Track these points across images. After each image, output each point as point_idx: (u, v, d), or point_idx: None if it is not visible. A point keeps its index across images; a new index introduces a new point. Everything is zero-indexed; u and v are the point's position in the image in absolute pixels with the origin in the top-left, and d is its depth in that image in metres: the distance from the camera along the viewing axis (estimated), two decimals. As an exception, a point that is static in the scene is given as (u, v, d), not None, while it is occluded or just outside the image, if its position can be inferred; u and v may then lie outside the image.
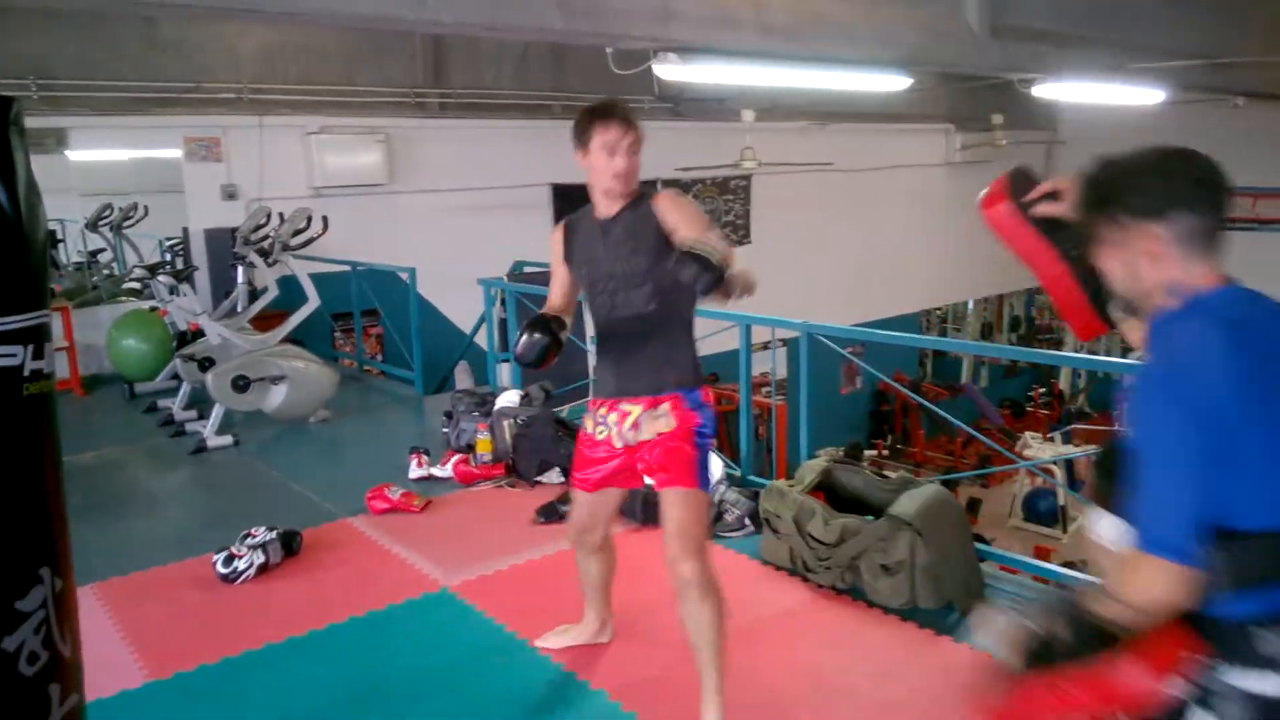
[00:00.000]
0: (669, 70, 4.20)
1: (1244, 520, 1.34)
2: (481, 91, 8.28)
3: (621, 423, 2.51)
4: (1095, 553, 1.51)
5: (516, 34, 6.41)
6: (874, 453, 10.98)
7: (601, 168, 2.44)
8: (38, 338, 1.05)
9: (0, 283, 1.00)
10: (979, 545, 3.64)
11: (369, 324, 7.71)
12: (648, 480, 2.59)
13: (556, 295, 2.62)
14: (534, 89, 8.39)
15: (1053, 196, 1.79)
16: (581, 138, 2.45)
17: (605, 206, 2.51)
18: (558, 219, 9.79)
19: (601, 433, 2.57)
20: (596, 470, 2.62)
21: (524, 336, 2.39)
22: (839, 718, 2.66)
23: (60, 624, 1.09)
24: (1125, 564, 1.37)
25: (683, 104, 8.83)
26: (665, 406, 2.47)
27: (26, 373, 1.03)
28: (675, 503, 2.45)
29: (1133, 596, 1.34)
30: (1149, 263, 1.42)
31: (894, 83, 4.87)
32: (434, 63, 8.06)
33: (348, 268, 7.13)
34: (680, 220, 2.37)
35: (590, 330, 2.60)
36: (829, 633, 3.15)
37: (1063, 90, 6.15)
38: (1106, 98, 6.78)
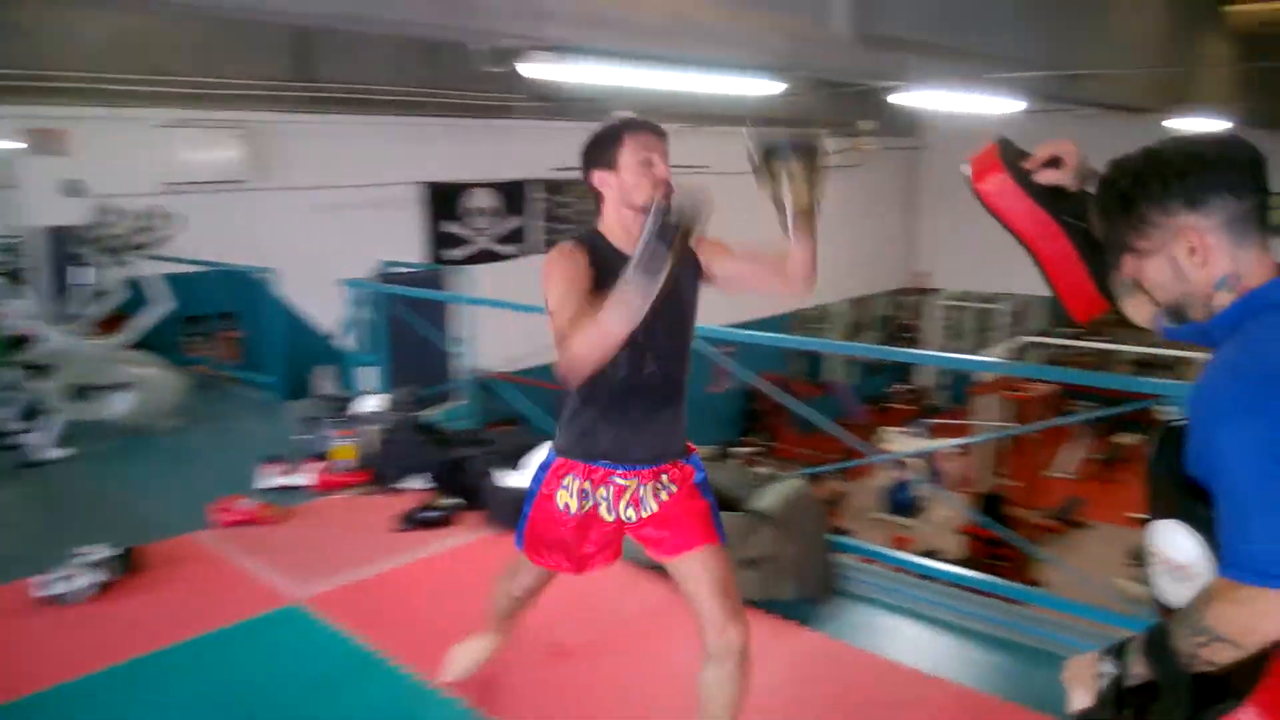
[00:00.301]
0: (535, 70, 4.17)
1: None
2: (350, 86, 8.04)
3: (618, 499, 2.19)
4: (1161, 573, 1.31)
5: (383, 28, 6.24)
6: (745, 450, 11.20)
7: (634, 183, 2.10)
8: None
9: None
10: (839, 538, 3.76)
11: (227, 328, 7.39)
12: (656, 554, 2.29)
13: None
14: (404, 85, 8.20)
15: (1053, 164, 1.66)
16: (604, 156, 2.13)
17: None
18: (433, 218, 9.61)
19: (585, 506, 2.21)
20: (587, 547, 2.30)
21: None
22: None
23: None
24: (1229, 601, 1.18)
25: (558, 103, 8.80)
26: (664, 476, 2.22)
27: None
28: (709, 562, 2.18)
29: (1243, 635, 1.17)
30: (1194, 260, 1.28)
31: (766, 87, 4.97)
32: (298, 56, 7.79)
33: (204, 269, 6.81)
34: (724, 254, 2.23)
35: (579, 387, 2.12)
36: (690, 627, 3.17)
37: (925, 98, 6.39)
38: (967, 106, 7.08)
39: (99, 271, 5.57)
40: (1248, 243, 1.28)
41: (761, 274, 2.32)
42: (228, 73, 7.45)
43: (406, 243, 8.21)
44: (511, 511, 3.82)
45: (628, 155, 2.11)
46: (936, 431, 11.76)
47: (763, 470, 3.88)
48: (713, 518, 2.25)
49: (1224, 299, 1.29)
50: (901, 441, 10.86)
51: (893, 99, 6.21)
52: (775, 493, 3.48)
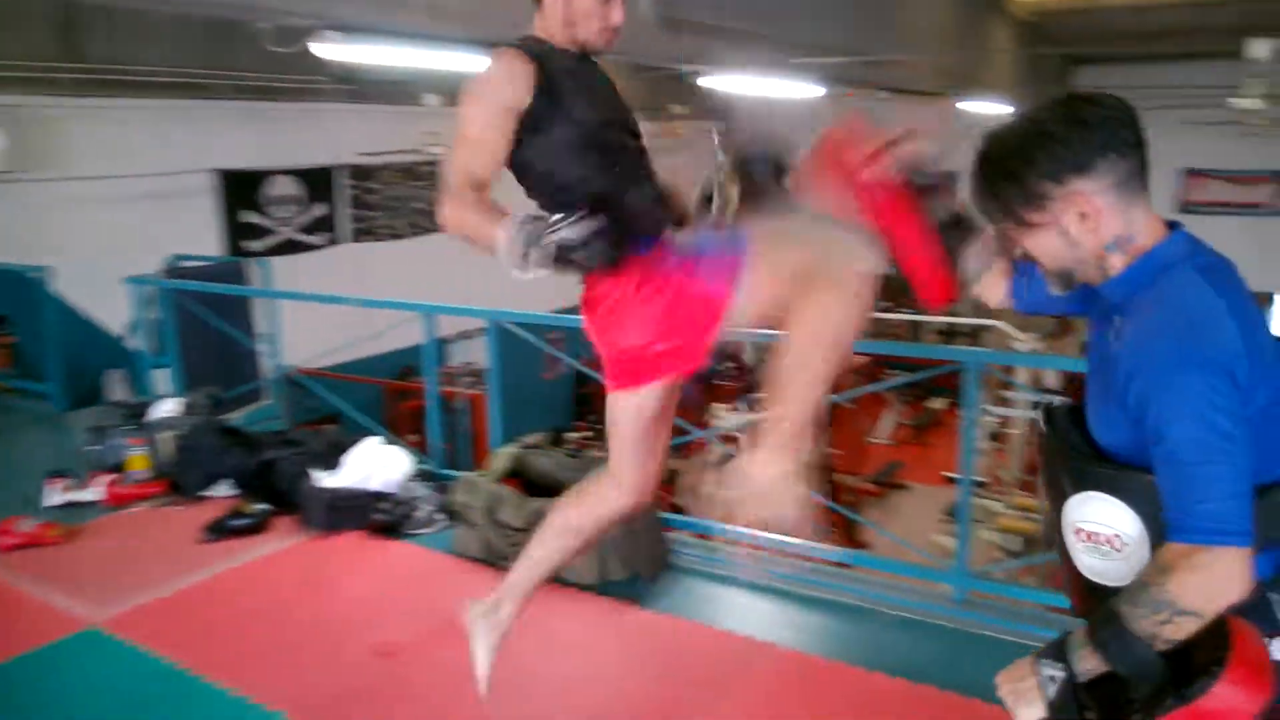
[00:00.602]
0: (329, 50, 3.96)
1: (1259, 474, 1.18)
2: (126, 68, 7.38)
3: None
4: (1082, 549, 1.27)
5: (161, 5, 5.79)
6: (578, 435, 11.21)
7: (584, 15, 1.99)
8: None
9: None
10: (669, 515, 3.80)
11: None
12: None
13: (488, 162, 1.94)
14: (188, 66, 7.62)
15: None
16: None
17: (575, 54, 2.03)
18: (231, 208, 9.01)
19: None
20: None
21: (572, 228, 1.71)
22: (538, 696, 2.68)
23: None
24: (1188, 569, 1.13)
25: (364, 86, 8.43)
26: None
27: None
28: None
29: (1209, 601, 1.13)
30: (1085, 226, 1.27)
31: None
32: (65, 34, 7.08)
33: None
34: None
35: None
36: (524, 616, 3.14)
37: (729, 82, 6.53)
38: (770, 90, 7.29)
39: None
40: (1136, 201, 1.27)
41: None
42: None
43: (202, 235, 7.66)
44: (330, 513, 3.68)
45: None
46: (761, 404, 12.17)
47: (587, 453, 3.87)
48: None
49: (1116, 261, 1.28)
50: (731, 417, 11.16)
51: (702, 83, 6.30)
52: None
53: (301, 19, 4.04)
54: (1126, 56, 12.07)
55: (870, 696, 2.64)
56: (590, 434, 11.74)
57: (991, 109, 10.39)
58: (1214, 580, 1.13)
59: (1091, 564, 1.27)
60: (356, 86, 8.38)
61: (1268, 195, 12.42)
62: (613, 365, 2.03)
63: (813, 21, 6.43)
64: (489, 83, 1.93)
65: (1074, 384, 13.00)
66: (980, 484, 9.96)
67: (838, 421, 11.45)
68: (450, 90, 8.30)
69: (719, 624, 3.07)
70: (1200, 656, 1.13)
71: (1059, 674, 1.21)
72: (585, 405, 12.41)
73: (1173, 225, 1.31)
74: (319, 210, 8.55)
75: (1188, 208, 12.57)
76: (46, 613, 3.17)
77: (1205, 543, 1.13)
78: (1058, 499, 1.30)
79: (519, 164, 2.02)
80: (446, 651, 2.89)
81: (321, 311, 5.42)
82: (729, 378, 15.47)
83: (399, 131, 8.66)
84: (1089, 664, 1.20)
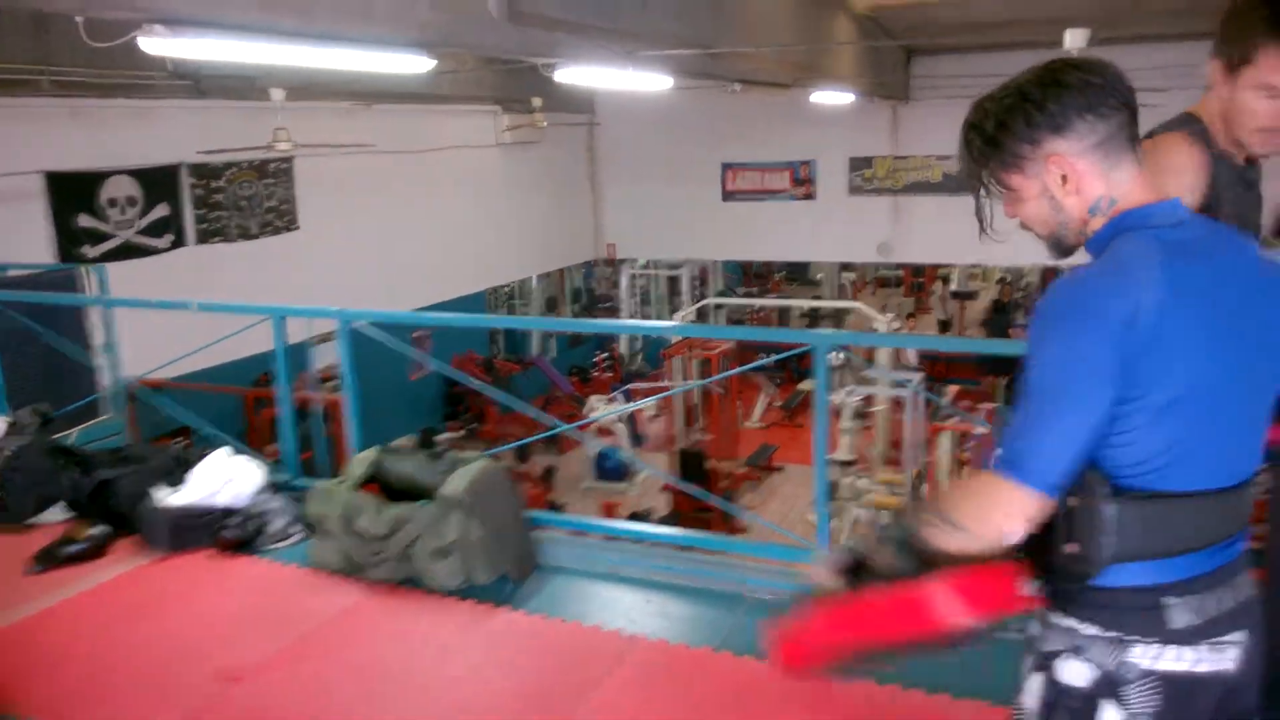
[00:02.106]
0: (156, 45, 3.74)
1: (1152, 479, 1.20)
2: (-63, 64, 6.83)
3: None
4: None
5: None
6: (449, 435, 11.04)
7: (1248, 112, 1.63)
8: None
9: None
10: (537, 512, 3.77)
11: None
12: None
13: None
14: (8, 62, 7.08)
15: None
16: (1238, 44, 1.62)
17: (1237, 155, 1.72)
18: (63, 212, 8.46)
19: None
20: None
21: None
22: (405, 705, 2.63)
23: None
24: (975, 486, 1.23)
25: (204, 81, 8.01)
26: None
27: None
28: None
29: (977, 521, 1.19)
30: (1066, 188, 1.25)
31: (416, 63, 4.80)
32: None
33: None
34: None
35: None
36: (385, 627, 3.08)
37: (581, 75, 6.51)
38: (622, 83, 7.30)
39: None
40: (1121, 164, 1.24)
41: None
42: None
43: (32, 242, 7.13)
44: (175, 532, 3.50)
45: (1261, 72, 1.60)
46: (637, 396, 12.27)
47: (453, 454, 3.80)
48: None
49: (1097, 223, 1.26)
50: (606, 409, 11.20)
51: (556, 76, 6.26)
52: (461, 477, 3.41)
53: (120, 11, 3.80)
54: (957, 47, 12.68)
55: (739, 681, 2.68)
56: (463, 434, 11.58)
57: (838, 98, 10.74)
58: (985, 504, 1.19)
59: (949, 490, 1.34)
60: (194, 82, 7.95)
61: None
62: None
63: (660, 14, 6.46)
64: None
65: (937, 363, 13.48)
66: (849, 463, 10.34)
67: (711, 408, 11.66)
68: (295, 84, 8.00)
69: (588, 620, 3.07)
70: (950, 565, 1.21)
71: (851, 550, 1.33)
72: (458, 404, 12.23)
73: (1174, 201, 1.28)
74: (161, 211, 8.09)
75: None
76: None
77: (1003, 472, 1.18)
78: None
79: None
80: (302, 667, 2.81)
81: (168, 319, 5.12)
82: (604, 369, 15.55)
83: (244, 128, 8.27)
84: (873, 548, 1.30)
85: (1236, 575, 1.26)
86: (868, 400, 10.77)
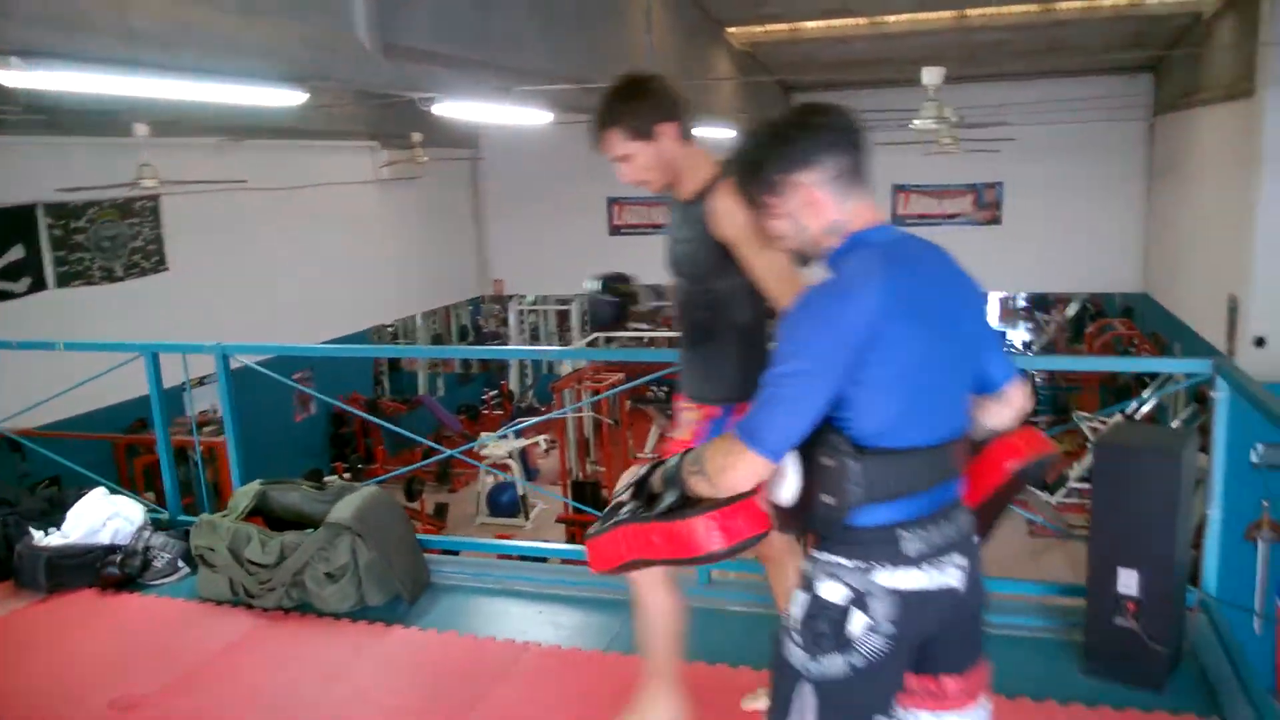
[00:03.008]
0: (13, 78, 3.66)
1: (883, 439, 1.48)
2: None
3: None
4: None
5: None
6: (335, 478, 10.81)
7: None
8: None
9: None
10: (431, 538, 3.81)
11: None
12: None
13: None
14: None
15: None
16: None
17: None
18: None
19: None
20: None
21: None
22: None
23: None
24: (721, 446, 1.52)
25: (60, 115, 7.70)
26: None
27: None
28: None
29: (717, 474, 1.51)
30: (808, 211, 1.54)
31: (288, 97, 4.80)
32: None
33: None
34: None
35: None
36: (277, 652, 3.08)
37: (458, 109, 6.60)
38: (502, 118, 7.42)
39: None
40: (852, 194, 1.54)
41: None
42: None
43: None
44: (52, 572, 3.40)
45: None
46: (529, 431, 12.26)
47: (335, 484, 3.81)
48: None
49: (833, 241, 1.56)
50: (499, 445, 11.16)
51: (435, 110, 6.34)
52: (349, 503, 3.44)
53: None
54: (831, 83, 13.32)
55: (627, 676, 2.77)
56: (349, 476, 11.35)
57: (718, 133, 11.10)
58: (726, 463, 1.50)
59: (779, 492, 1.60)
60: (51, 117, 7.66)
61: (964, 206, 14.08)
62: None
63: (536, 50, 6.62)
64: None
65: None
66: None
67: (603, 441, 11.75)
68: (160, 118, 7.80)
69: (481, 632, 3.14)
70: (701, 503, 1.56)
71: (641, 475, 1.70)
72: (344, 445, 11.99)
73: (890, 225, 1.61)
74: (15, 254, 7.75)
75: (898, 220, 13.96)
76: None
77: (742, 439, 1.49)
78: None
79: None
80: (194, 696, 2.79)
81: (30, 364, 4.95)
82: (494, 406, 15.49)
83: (107, 165, 7.99)
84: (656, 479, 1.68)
85: (953, 513, 1.58)
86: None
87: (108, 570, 3.49)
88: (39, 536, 3.53)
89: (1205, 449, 3.00)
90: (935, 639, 1.57)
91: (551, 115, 7.68)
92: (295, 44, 4.50)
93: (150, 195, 8.70)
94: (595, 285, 2.45)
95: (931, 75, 7.42)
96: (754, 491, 1.53)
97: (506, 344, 15.77)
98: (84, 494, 3.77)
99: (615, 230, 14.77)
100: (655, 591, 2.29)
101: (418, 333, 15.58)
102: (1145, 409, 8.51)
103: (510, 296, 16.10)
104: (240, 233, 9.99)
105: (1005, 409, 1.70)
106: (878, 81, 12.64)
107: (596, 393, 11.08)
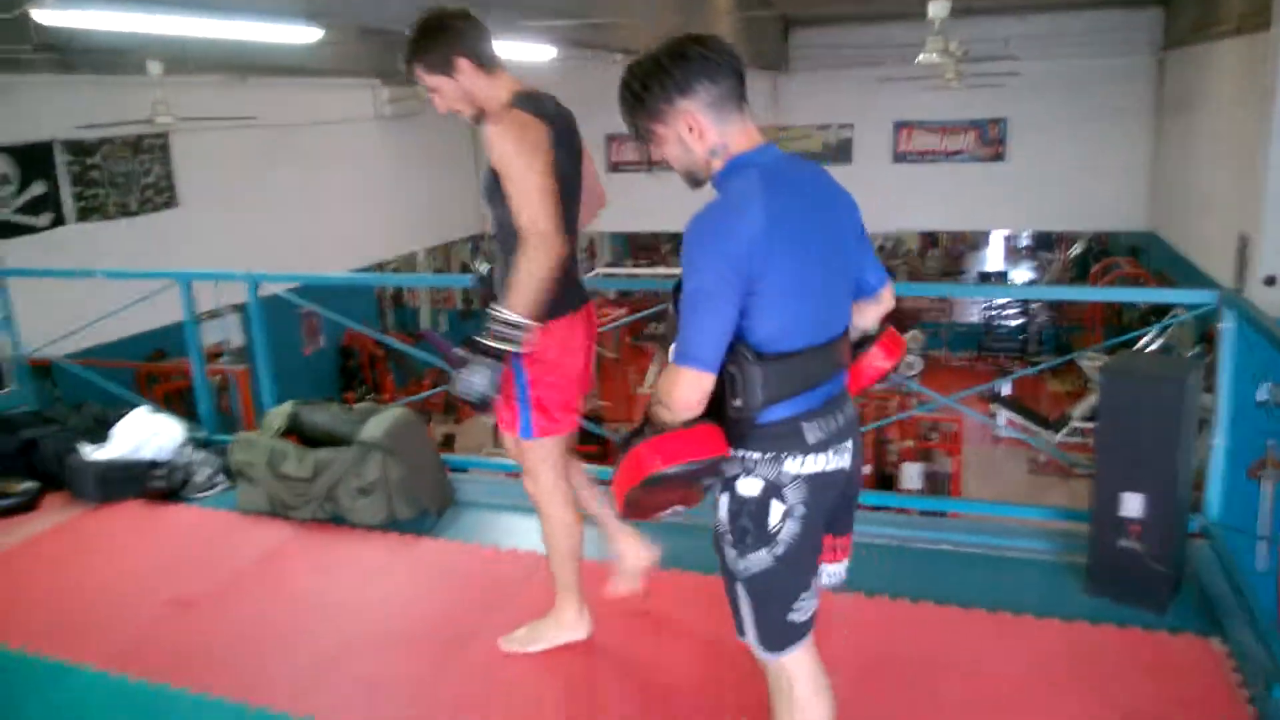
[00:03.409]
0: (50, 16, 3.81)
1: (776, 344, 1.62)
2: None
3: (588, 332, 2.54)
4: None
5: None
6: (346, 406, 11.07)
7: None
8: None
9: None
10: (453, 457, 4.03)
11: None
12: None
13: None
14: None
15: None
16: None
17: None
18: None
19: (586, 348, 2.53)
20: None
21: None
22: (333, 627, 2.87)
23: None
24: (666, 375, 1.63)
25: (73, 55, 7.80)
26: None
27: None
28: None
29: (668, 399, 1.61)
30: (691, 135, 1.64)
31: (304, 34, 4.92)
32: None
33: None
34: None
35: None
36: (316, 559, 3.32)
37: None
38: (506, 54, 7.48)
39: None
40: (730, 118, 1.65)
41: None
42: None
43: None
44: (104, 484, 3.64)
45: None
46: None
47: (363, 405, 4.04)
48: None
49: (717, 164, 1.67)
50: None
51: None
52: (378, 423, 3.66)
53: (11, -17, 3.86)
54: (834, 18, 13.21)
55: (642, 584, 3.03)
56: (360, 404, 11.59)
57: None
58: (673, 385, 1.61)
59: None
60: (65, 55, 7.75)
61: (967, 143, 13.97)
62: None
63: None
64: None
65: None
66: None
67: (606, 375, 11.98)
68: (172, 56, 7.89)
69: (502, 545, 3.34)
70: (665, 431, 1.64)
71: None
72: (352, 377, 12.24)
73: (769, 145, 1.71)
74: (37, 189, 7.91)
75: (900, 157, 13.86)
76: None
77: (674, 361, 1.61)
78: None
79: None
80: (240, 597, 3.04)
81: (53, 296, 5.14)
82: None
83: (121, 102, 8.11)
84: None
85: (842, 403, 1.77)
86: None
87: (153, 483, 3.73)
88: (88, 451, 3.77)
89: (1210, 389, 3.03)
90: (833, 509, 1.77)
91: (554, 51, 7.74)
92: (310, -19, 4.61)
93: (160, 133, 8.80)
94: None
95: (938, 8, 7.37)
96: (706, 416, 1.63)
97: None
98: (125, 413, 4.01)
99: (614, 167, 14.76)
100: (558, 508, 2.54)
101: (419, 269, 15.72)
102: (1151, 347, 8.56)
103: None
104: (248, 170, 10.08)
105: (876, 308, 1.89)
106: (881, 15, 12.58)
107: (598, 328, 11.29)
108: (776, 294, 1.60)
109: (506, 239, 2.30)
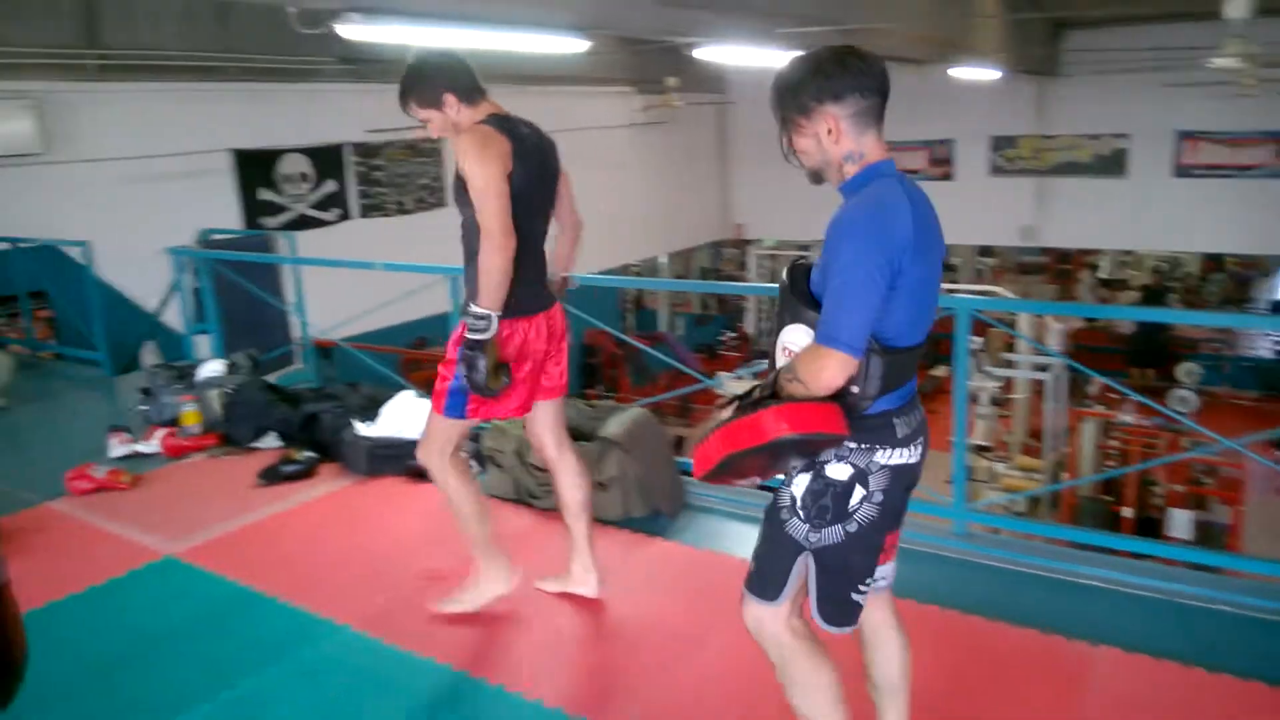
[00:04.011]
0: (353, 31, 4.20)
1: (895, 340, 1.75)
2: (142, 53, 7.62)
3: (539, 334, 2.74)
4: (784, 358, 1.83)
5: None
6: (589, 403, 11.48)
7: None
8: None
9: None
10: (688, 461, 4.05)
11: (36, 306, 6.94)
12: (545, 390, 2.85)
13: None
14: (200, 50, 7.86)
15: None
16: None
17: None
18: (243, 186, 9.23)
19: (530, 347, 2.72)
20: (528, 382, 2.76)
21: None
22: (567, 613, 2.97)
23: None
24: (809, 355, 1.70)
25: (366, 65, 8.64)
26: (554, 314, 2.79)
27: None
28: (561, 407, 2.96)
29: (811, 379, 1.69)
30: (829, 137, 1.78)
31: (572, 45, 5.16)
32: (87, 22, 7.31)
33: (4, 245, 6.40)
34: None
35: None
36: (554, 548, 3.42)
37: (719, 53, 6.73)
38: (761, 61, 7.48)
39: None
40: (869, 130, 1.78)
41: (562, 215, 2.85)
42: (8, 40, 6.91)
43: (224, 211, 7.92)
44: (371, 460, 3.98)
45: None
46: (765, 374, 12.37)
47: (605, 402, 4.15)
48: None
49: (850, 169, 1.80)
50: (735, 384, 11.35)
51: (696, 55, 6.51)
52: (619, 421, 3.74)
53: (323, 2, 4.27)
54: (1112, 19, 12.15)
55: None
56: (599, 401, 12.01)
57: (979, 74, 10.51)
58: (816, 364, 1.69)
59: (783, 364, 1.81)
60: (359, 66, 8.59)
61: (1264, 157, 12.20)
62: None
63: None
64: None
65: (1080, 352, 12.94)
66: (985, 448, 10.18)
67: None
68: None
69: (735, 553, 3.31)
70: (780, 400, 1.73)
71: (750, 382, 1.87)
72: (592, 375, 12.71)
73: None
74: (329, 187, 8.81)
75: (1183, 171, 12.52)
76: (127, 545, 3.50)
77: (822, 343, 1.69)
78: (779, 327, 1.87)
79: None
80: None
81: (336, 284, 5.68)
82: (730, 347, 15.79)
83: (400, 109, 8.87)
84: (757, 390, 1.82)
85: (917, 400, 1.90)
86: (1006, 386, 10.55)
87: (413, 463, 4.01)
88: (360, 428, 4.13)
89: None
90: (901, 501, 1.87)
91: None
92: (581, -4, 4.81)
93: (434, 137, 9.53)
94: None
95: (1236, 6, 6.65)
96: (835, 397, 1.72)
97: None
98: (393, 395, 4.35)
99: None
100: (452, 479, 2.77)
101: (661, 273, 16.08)
102: None
103: (750, 241, 16.18)
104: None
105: None
106: (1166, 15, 11.46)
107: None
108: (907, 294, 1.73)
109: (470, 239, 2.55)
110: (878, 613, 2.03)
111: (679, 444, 11.46)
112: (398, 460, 4.02)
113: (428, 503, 3.86)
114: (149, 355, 5.73)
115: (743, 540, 3.42)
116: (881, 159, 1.80)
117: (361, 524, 3.63)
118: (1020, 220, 13.41)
